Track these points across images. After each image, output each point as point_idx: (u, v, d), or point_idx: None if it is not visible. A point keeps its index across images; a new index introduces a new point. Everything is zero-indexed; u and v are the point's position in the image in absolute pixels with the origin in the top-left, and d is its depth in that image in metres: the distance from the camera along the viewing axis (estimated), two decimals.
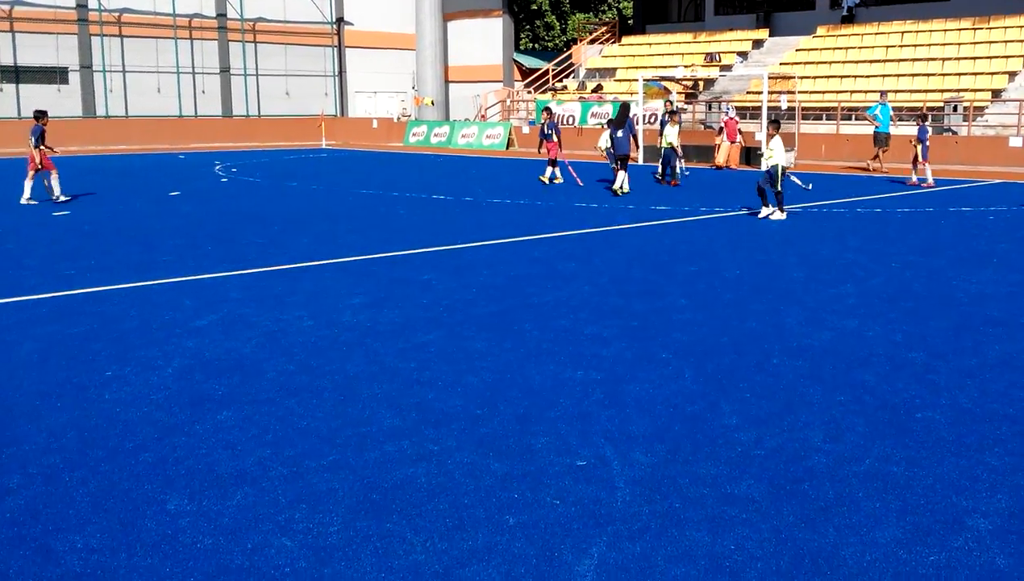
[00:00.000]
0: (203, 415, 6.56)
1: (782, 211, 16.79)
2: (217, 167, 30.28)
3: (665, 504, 5.23)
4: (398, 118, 47.50)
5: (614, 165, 21.73)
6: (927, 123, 23.31)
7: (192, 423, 6.41)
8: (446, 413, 6.63)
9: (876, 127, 26.84)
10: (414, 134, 43.65)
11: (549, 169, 23.75)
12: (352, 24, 49.92)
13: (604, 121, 30.36)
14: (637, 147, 23.67)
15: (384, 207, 19.19)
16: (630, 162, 22.38)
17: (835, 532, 4.89)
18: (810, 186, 18.65)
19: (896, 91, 33.56)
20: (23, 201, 19.11)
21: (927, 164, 22.62)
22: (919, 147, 22.51)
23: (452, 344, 8.41)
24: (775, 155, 16.57)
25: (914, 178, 23.18)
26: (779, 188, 16.55)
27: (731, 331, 8.90)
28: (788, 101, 30.87)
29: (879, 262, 12.56)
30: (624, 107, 25.66)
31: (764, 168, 16.99)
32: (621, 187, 21.35)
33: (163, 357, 8.00)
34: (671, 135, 23.65)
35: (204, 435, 6.19)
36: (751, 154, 29.73)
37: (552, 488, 5.42)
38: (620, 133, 21.88)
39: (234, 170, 28.59)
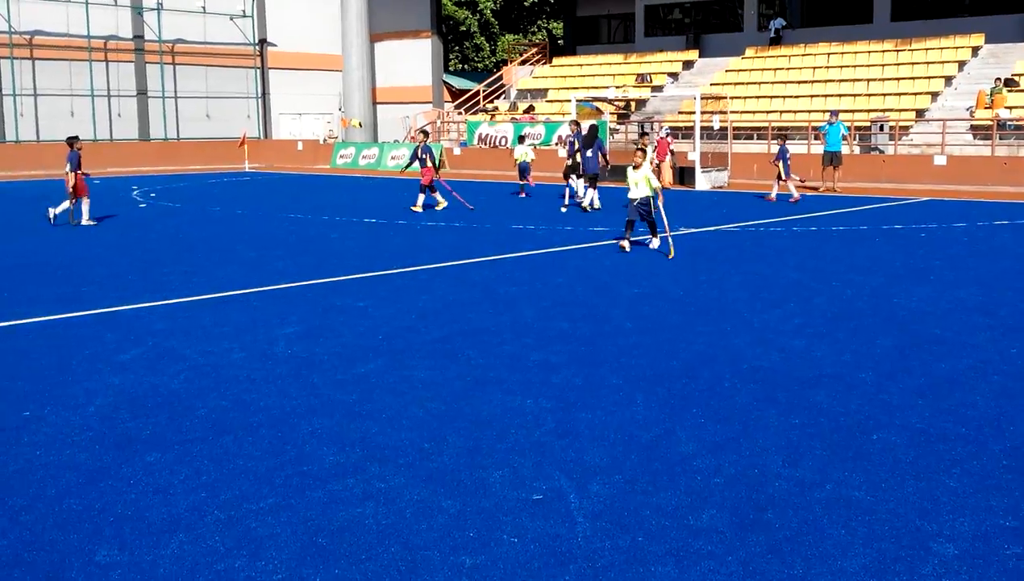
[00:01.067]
0: (131, 457, 6.18)
1: (657, 237, 15.62)
2: (135, 192, 29.47)
3: (627, 538, 5.00)
4: (324, 140, 46.89)
5: (583, 180, 22.68)
6: (787, 142, 24.93)
7: (119, 466, 6.03)
8: (392, 448, 6.33)
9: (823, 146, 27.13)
10: (341, 156, 43.04)
11: (421, 196, 22.39)
12: (276, 45, 49.23)
13: (516, 138, 30.45)
14: (607, 165, 23.69)
15: (314, 231, 18.75)
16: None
17: (803, 563, 4.73)
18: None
19: (824, 111, 33.97)
20: (84, 222, 19.84)
21: (790, 181, 23.98)
22: (780, 165, 23.90)
23: (394, 374, 8.11)
24: (642, 185, 15.10)
25: (773, 195, 24.40)
26: (652, 217, 15.27)
27: (680, 354, 8.73)
28: (720, 121, 31.08)
29: (820, 281, 12.53)
30: (592, 128, 25.65)
31: (636, 198, 15.24)
32: (592, 204, 21.98)
33: (85, 395, 7.57)
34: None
35: (133, 479, 5.82)
36: (685, 174, 29.84)
37: (509, 525, 5.16)
38: (589, 153, 22.45)
39: (153, 195, 27.79)
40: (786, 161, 23.91)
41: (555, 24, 68.64)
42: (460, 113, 45.38)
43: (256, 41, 48.73)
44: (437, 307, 10.98)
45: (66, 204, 20.01)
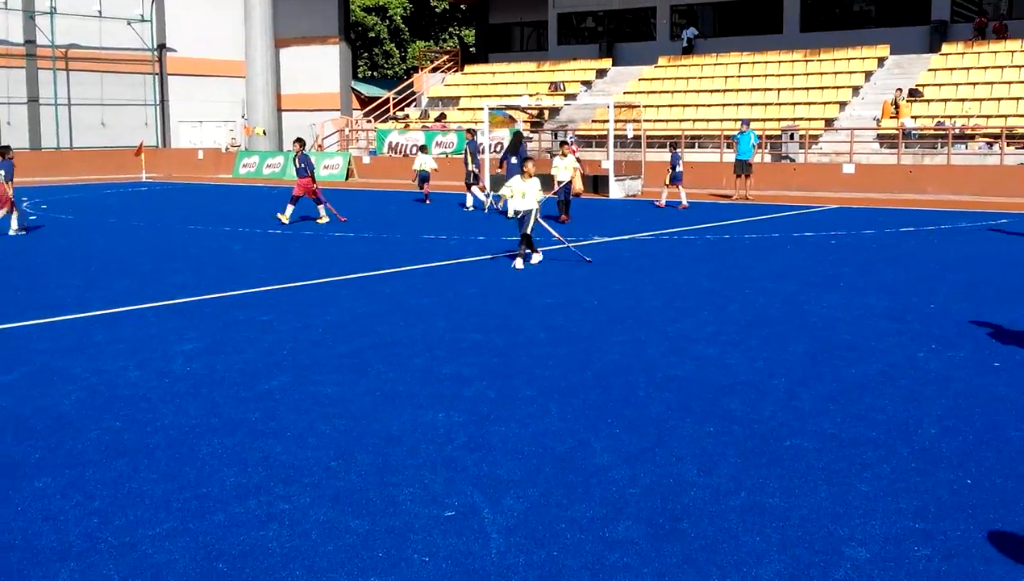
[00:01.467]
0: (18, 483, 5.86)
1: (537, 252, 15.13)
2: (25, 203, 28.34)
3: (542, 553, 4.88)
4: (227, 148, 45.88)
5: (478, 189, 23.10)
6: (678, 150, 26.09)
7: (6, 492, 5.71)
8: (297, 467, 6.11)
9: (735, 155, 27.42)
10: (245, 165, 42.06)
11: (290, 207, 21.42)
12: (175, 51, 47.96)
13: (417, 147, 30.28)
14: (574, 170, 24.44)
15: (215, 243, 18.24)
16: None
17: (719, 571, 4.69)
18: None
19: (736, 120, 34.43)
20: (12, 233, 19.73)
21: (680, 187, 24.96)
22: (670, 172, 25.01)
23: (299, 390, 7.87)
24: (529, 197, 14.64)
25: (662, 201, 25.33)
26: (528, 231, 14.63)
27: (594, 364, 8.65)
28: (634, 129, 31.27)
29: (733, 288, 12.58)
30: (517, 135, 25.88)
31: (517, 209, 14.80)
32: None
33: None
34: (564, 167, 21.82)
35: (20, 505, 5.51)
36: (599, 182, 29.95)
37: (419, 544, 5.01)
38: (514, 160, 22.98)
39: (44, 207, 26.82)
40: (676, 169, 24.89)
41: (467, 31, 68.45)
42: (369, 121, 44.90)
43: (155, 46, 47.48)
44: (345, 320, 10.73)
45: (12, 218, 19.98)
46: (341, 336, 9.89)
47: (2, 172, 19.52)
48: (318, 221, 21.55)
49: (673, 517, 5.31)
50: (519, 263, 14.57)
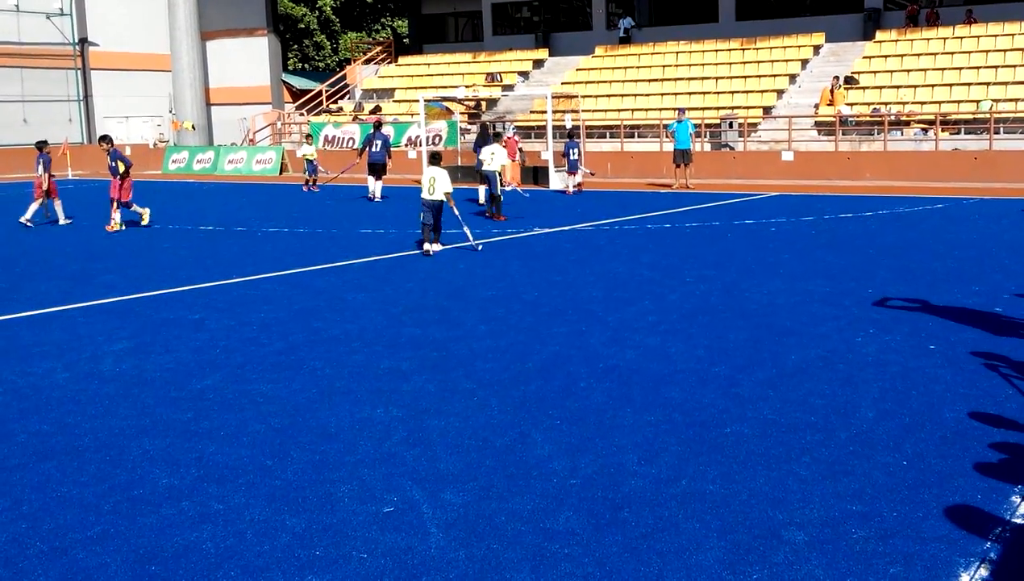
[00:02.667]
0: None
1: (440, 244, 15.72)
2: None
3: (482, 546, 4.84)
4: (155, 144, 45.08)
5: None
6: (575, 139, 27.17)
7: None
8: (231, 467, 5.99)
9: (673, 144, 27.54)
10: (174, 161, 41.37)
11: (116, 214, 19.82)
12: (98, 45, 46.74)
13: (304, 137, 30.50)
14: (513, 161, 25.89)
15: (144, 241, 17.89)
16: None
17: (659, 559, 4.68)
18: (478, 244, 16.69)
19: (674, 109, 34.60)
20: (23, 221, 20.55)
21: (571, 176, 26.69)
22: (567, 161, 26.55)
23: (233, 388, 7.72)
24: (438, 187, 15.26)
25: (570, 188, 26.73)
26: (432, 221, 15.31)
27: (535, 356, 8.60)
28: (572, 120, 31.28)
29: (674, 277, 12.61)
30: (483, 127, 26.13)
31: (429, 199, 15.31)
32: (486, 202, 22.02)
33: None
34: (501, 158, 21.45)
35: None
36: (539, 173, 29.94)
37: (358, 540, 4.93)
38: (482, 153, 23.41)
39: None
40: (571, 157, 26.44)
41: (400, 22, 67.85)
42: (302, 114, 44.38)
43: (76, 41, 46.37)
44: (281, 317, 10.56)
45: (35, 206, 20.78)
46: (276, 333, 9.73)
47: (41, 164, 20.63)
48: (141, 223, 20.00)
49: (614, 506, 5.29)
50: (437, 247, 15.43)
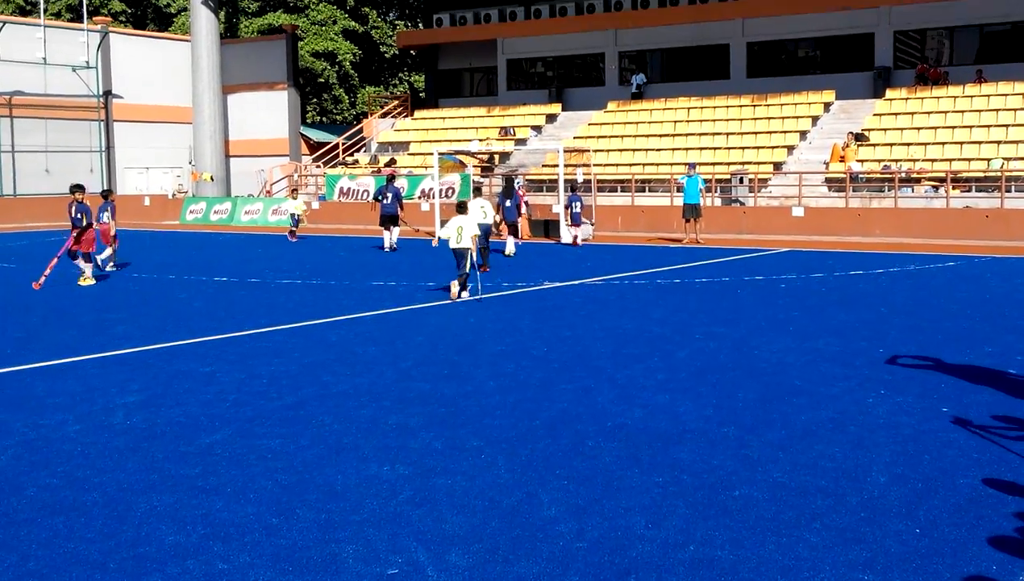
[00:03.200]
0: None
1: (467, 291, 16.16)
2: None
3: None
4: (173, 194, 45.43)
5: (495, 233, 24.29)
6: (577, 192, 28.22)
7: None
8: (237, 524, 5.96)
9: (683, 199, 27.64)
10: (192, 211, 41.62)
11: (87, 267, 19.37)
12: (121, 97, 47.51)
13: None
14: (520, 215, 27.11)
15: (160, 291, 17.93)
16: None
17: None
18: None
19: (685, 164, 34.76)
20: (108, 269, 21.29)
21: (575, 228, 27.48)
22: (569, 212, 27.46)
23: (242, 444, 7.70)
24: (465, 234, 15.79)
25: (578, 240, 27.56)
26: (467, 269, 15.85)
27: (543, 414, 8.57)
28: (584, 174, 31.42)
29: (683, 334, 12.58)
30: (509, 179, 27.73)
31: (457, 248, 15.91)
32: (511, 252, 23.98)
33: None
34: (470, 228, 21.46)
35: None
36: (550, 226, 30.04)
37: None
38: (508, 203, 25.49)
39: None
40: (572, 209, 27.53)
41: (416, 77, 68.55)
42: (319, 166, 44.76)
43: (100, 93, 47.10)
44: (291, 370, 10.57)
45: (109, 251, 21.38)
46: (286, 387, 9.73)
47: (107, 212, 21.09)
48: (80, 281, 19.13)
49: (620, 572, 5.23)
50: (465, 295, 16.03)
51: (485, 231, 20.24)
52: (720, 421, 8.24)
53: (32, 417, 8.65)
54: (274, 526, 5.92)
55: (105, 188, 22.60)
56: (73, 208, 19.34)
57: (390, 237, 26.54)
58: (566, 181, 29.94)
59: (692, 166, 28.11)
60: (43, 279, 18.55)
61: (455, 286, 15.90)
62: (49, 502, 6.39)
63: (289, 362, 11.03)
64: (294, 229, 31.35)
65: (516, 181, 31.41)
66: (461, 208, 16.54)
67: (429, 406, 8.87)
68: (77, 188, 19.94)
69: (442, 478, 6.81)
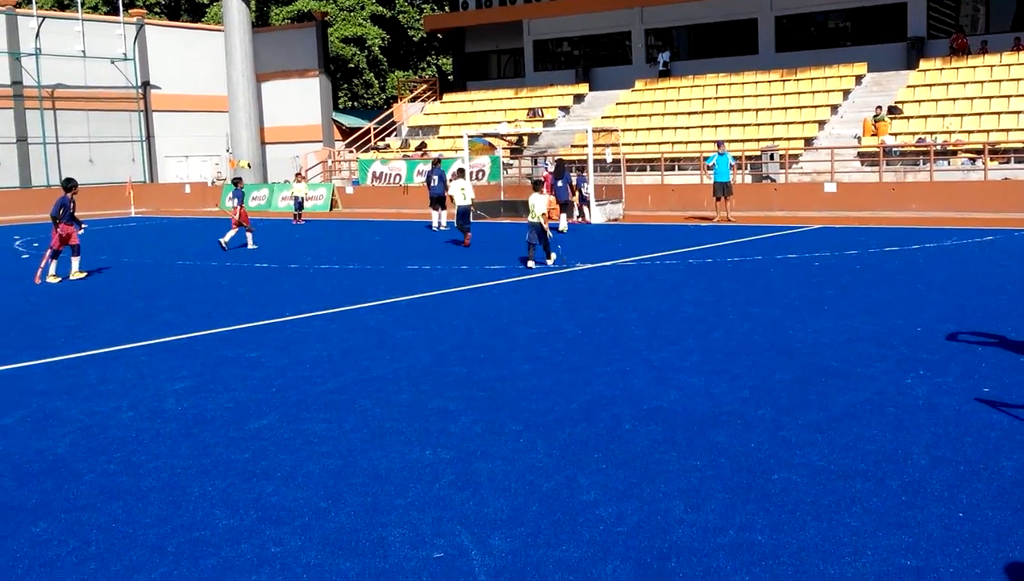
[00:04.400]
0: (15, 528, 5.88)
1: (551, 257, 18.38)
2: (17, 242, 28.43)
3: None
4: (212, 182, 45.98)
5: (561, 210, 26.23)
6: (583, 173, 29.27)
7: (3, 539, 5.73)
8: (287, 508, 6.12)
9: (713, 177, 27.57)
10: (230, 198, 42.16)
11: (75, 259, 18.76)
12: (159, 88, 48.33)
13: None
14: (574, 193, 27.84)
15: (204, 279, 18.24)
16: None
17: None
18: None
19: (714, 141, 34.66)
20: (222, 243, 23.37)
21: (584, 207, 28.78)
22: (577, 194, 28.25)
23: (289, 428, 7.88)
24: (536, 209, 17.96)
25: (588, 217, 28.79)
26: (536, 241, 18.05)
27: (579, 397, 8.68)
28: (613, 154, 31.42)
29: (717, 314, 12.63)
30: (559, 162, 28.46)
31: (529, 221, 18.21)
32: (564, 229, 25.44)
33: None
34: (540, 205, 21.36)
35: (18, 551, 5.52)
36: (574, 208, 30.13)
37: None
38: (560, 183, 26.51)
39: (36, 245, 26.53)
40: (581, 190, 28.50)
41: (444, 60, 68.60)
42: (351, 151, 45.04)
43: (139, 84, 47.73)
44: (332, 355, 10.74)
45: (233, 233, 23.69)
46: (328, 371, 9.90)
47: (237, 198, 24.24)
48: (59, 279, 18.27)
49: (661, 556, 5.32)
50: (531, 264, 18.02)
51: (463, 211, 22.98)
52: (756, 403, 8.30)
53: (87, 404, 8.88)
54: (323, 510, 6.08)
55: (235, 176, 27.30)
56: (61, 206, 18.19)
57: (438, 217, 27.99)
58: (600, 161, 30.09)
59: (720, 144, 28.06)
60: (39, 273, 18.45)
61: (529, 261, 18.01)
62: (107, 487, 6.59)
63: (330, 347, 11.21)
64: (298, 213, 32.76)
65: (543, 164, 31.71)
66: (536, 186, 18.72)
67: (467, 390, 9.00)
68: (70, 184, 18.68)
69: (483, 462, 6.94)
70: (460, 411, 8.28)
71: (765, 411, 8.06)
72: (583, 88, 42.93)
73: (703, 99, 37.96)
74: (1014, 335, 10.78)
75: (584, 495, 6.26)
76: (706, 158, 29.61)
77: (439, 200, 28.02)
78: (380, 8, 64.55)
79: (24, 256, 23.46)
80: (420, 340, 11.47)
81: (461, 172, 27.67)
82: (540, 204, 17.92)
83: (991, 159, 28.74)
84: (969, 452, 6.90)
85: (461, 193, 23.27)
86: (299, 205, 32.96)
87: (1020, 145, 29.31)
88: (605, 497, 6.21)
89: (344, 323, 12.83)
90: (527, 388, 9.02)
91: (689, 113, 37.37)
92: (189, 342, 11.88)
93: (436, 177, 28.32)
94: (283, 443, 7.48)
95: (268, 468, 6.89)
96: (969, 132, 30.80)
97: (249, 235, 24.19)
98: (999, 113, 31.11)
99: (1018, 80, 32.36)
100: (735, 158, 28.98)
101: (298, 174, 36.29)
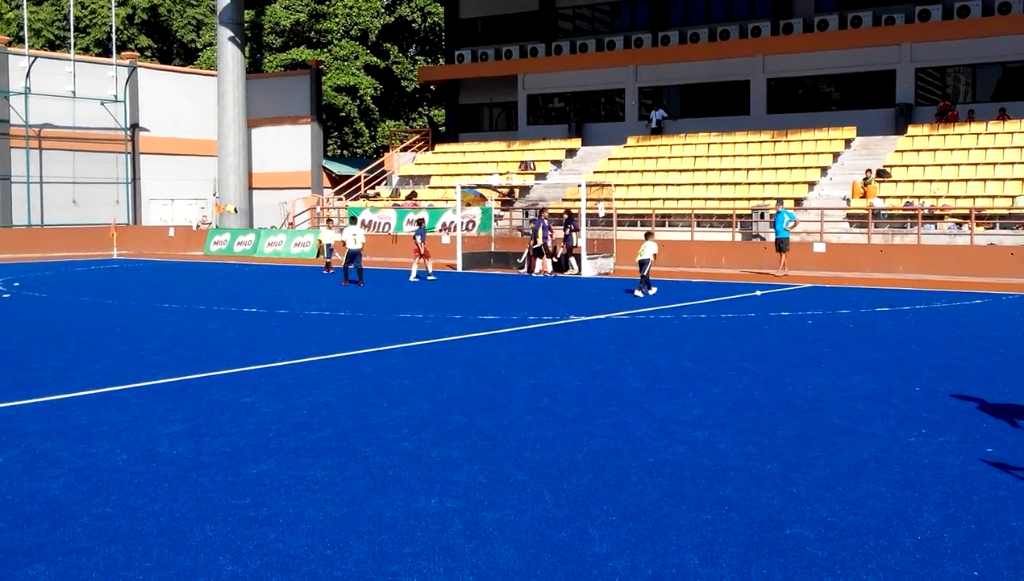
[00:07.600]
0: (11, 571, 5.70)
1: (646, 290, 22.24)
2: None
3: None
4: (198, 226, 45.79)
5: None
6: (544, 218, 29.76)
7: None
8: (292, 555, 5.96)
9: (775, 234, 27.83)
10: (216, 242, 41.85)
11: None
12: (148, 130, 48.20)
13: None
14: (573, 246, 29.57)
15: (191, 322, 18.01)
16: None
17: None
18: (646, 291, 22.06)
19: (705, 199, 34.83)
20: (412, 279, 26.86)
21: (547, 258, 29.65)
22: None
23: (288, 474, 7.72)
24: (647, 251, 22.39)
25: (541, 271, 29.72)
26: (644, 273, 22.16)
27: (583, 448, 8.56)
28: (605, 208, 31.50)
29: (716, 369, 12.56)
30: (568, 213, 30.39)
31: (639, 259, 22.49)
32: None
33: None
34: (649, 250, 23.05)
35: None
36: (567, 261, 30.12)
37: None
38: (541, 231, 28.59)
39: (16, 284, 26.35)
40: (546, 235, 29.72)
41: (436, 111, 69.01)
42: (340, 199, 45.00)
43: (128, 126, 47.64)
44: (329, 402, 10.59)
45: (416, 266, 27.29)
46: (326, 418, 9.75)
47: (419, 235, 27.32)
48: None
49: None
50: (639, 293, 22.05)
51: (352, 254, 25.89)
52: (762, 458, 8.22)
53: (79, 446, 8.68)
54: (329, 557, 5.92)
55: (419, 217, 31.02)
56: None
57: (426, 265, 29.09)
58: (592, 215, 30.21)
59: (780, 201, 28.33)
60: None
61: (637, 290, 22.20)
62: (104, 530, 6.41)
63: (326, 393, 11.05)
64: (330, 261, 31.93)
65: (534, 214, 31.92)
66: (648, 236, 23.31)
67: (469, 439, 8.87)
68: None
69: (490, 512, 6.80)
70: (464, 460, 8.15)
71: (772, 466, 7.98)
72: (576, 142, 43.16)
73: (695, 157, 38.19)
74: (1012, 397, 10.77)
75: (596, 547, 6.14)
76: (774, 215, 29.48)
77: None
78: (374, 59, 64.96)
79: (5, 295, 23.18)
80: (419, 388, 11.33)
81: (353, 220, 29.83)
82: (650, 248, 22.44)
83: (977, 224, 28.97)
84: (978, 511, 6.84)
85: (352, 238, 26.13)
86: (330, 253, 32.29)
87: (1005, 211, 29.58)
88: (617, 550, 6.09)
89: (338, 370, 12.67)
90: (530, 438, 8.90)
91: (680, 170, 37.57)
92: (181, 385, 11.68)
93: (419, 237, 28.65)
94: (283, 489, 7.31)
95: (270, 514, 6.73)
96: (956, 197, 31.07)
97: (430, 266, 27.52)
98: (985, 180, 31.43)
99: (1003, 148, 32.75)
100: (794, 215, 29.33)
101: (328, 220, 36.89)
